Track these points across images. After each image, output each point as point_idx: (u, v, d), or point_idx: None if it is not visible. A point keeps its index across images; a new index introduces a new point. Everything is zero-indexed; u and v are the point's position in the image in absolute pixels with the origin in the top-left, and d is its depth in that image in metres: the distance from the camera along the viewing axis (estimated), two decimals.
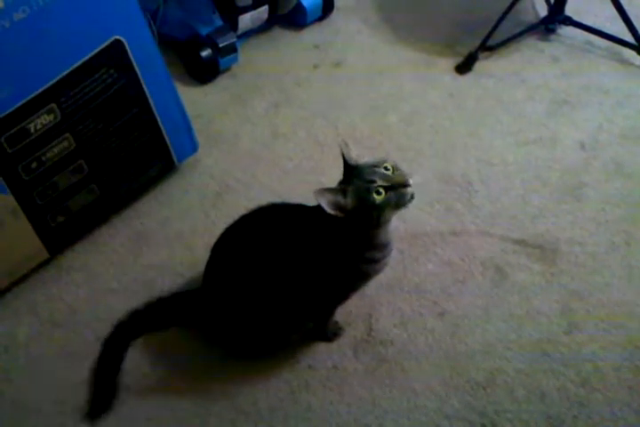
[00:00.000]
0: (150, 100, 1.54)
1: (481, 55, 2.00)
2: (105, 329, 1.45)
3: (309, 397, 1.37)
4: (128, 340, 1.41)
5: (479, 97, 1.94)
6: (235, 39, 1.96)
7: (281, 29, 2.15)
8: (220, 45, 1.93)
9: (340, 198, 1.14)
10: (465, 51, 2.01)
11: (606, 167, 1.76)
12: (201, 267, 1.40)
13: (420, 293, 1.52)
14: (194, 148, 1.75)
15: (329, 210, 1.12)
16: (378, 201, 1.13)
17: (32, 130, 1.35)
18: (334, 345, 1.44)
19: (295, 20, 2.14)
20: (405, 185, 1.14)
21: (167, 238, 1.63)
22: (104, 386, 1.37)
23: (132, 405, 1.36)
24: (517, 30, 2.03)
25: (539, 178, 1.74)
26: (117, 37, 1.39)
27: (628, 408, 1.34)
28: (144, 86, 1.51)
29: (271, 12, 2.01)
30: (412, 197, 1.15)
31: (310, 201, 1.18)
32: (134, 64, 1.45)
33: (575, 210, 1.67)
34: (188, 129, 1.70)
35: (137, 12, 1.43)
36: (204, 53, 1.93)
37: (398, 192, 1.14)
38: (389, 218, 1.18)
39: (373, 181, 1.13)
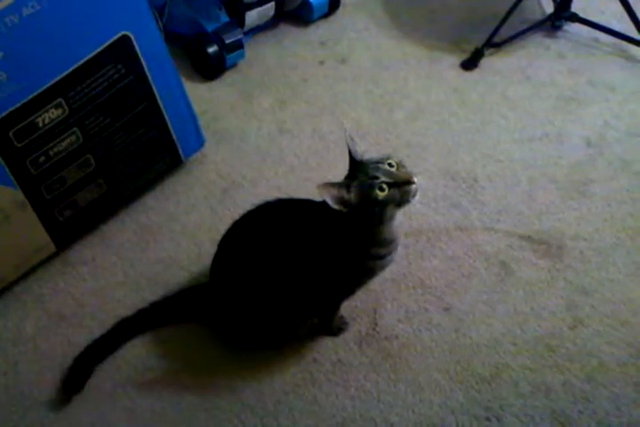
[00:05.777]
0: (157, 96, 1.54)
1: (487, 52, 2.00)
2: (111, 323, 1.46)
3: (315, 390, 1.37)
4: (126, 337, 1.43)
5: (485, 93, 1.94)
6: (241, 35, 1.97)
7: (287, 26, 2.16)
8: (227, 42, 1.93)
9: (343, 193, 1.14)
10: (471, 47, 2.01)
11: (612, 164, 1.75)
12: (207, 261, 1.41)
13: (425, 288, 1.52)
14: (200, 143, 1.75)
15: (332, 204, 1.12)
16: (381, 197, 1.13)
17: (40, 124, 1.36)
18: (339, 339, 1.44)
19: (301, 16, 2.15)
20: (409, 182, 1.14)
21: (173, 233, 1.64)
22: (82, 369, 1.38)
23: (137, 398, 1.37)
24: (523, 27, 2.03)
25: (544, 174, 1.74)
26: (125, 33, 1.40)
27: (633, 404, 1.35)
28: (151, 82, 1.51)
29: (277, 8, 2.02)
30: (415, 194, 1.15)
31: (316, 197, 1.18)
32: (142, 59, 1.46)
33: (581, 206, 1.67)
34: (195, 125, 1.70)
35: (145, 7, 1.44)
36: (211, 50, 1.93)
37: (402, 189, 1.14)
38: (392, 214, 1.18)
39: (377, 177, 1.13)
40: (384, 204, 1.14)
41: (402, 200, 1.15)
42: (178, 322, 1.46)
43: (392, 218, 1.19)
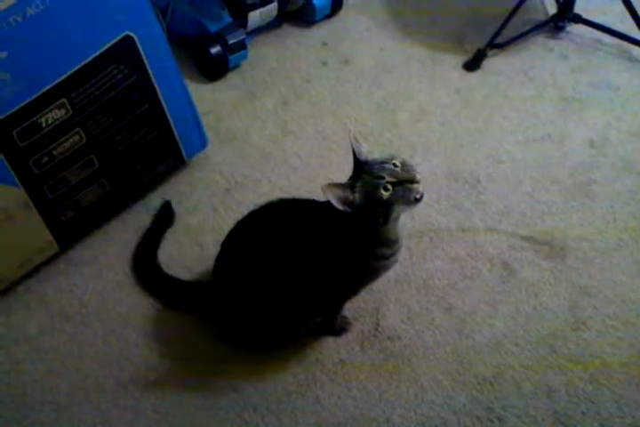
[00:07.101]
0: (160, 97, 1.55)
1: (489, 53, 2.00)
2: (114, 322, 1.47)
3: (317, 390, 1.37)
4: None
5: (487, 94, 1.94)
6: (244, 36, 1.97)
7: (290, 27, 2.16)
8: (230, 42, 1.94)
9: (348, 194, 1.14)
10: (473, 48, 2.01)
11: (615, 165, 1.75)
12: (210, 262, 1.41)
13: (428, 288, 1.52)
14: (203, 144, 1.76)
15: (337, 205, 1.12)
16: (385, 197, 1.13)
17: (43, 124, 1.36)
18: (342, 340, 1.44)
19: (304, 17, 2.15)
20: (413, 181, 1.14)
21: (176, 234, 1.64)
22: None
23: (140, 397, 1.37)
24: (526, 28, 2.03)
25: (547, 175, 1.74)
26: (128, 33, 1.40)
27: (635, 405, 1.34)
28: (154, 82, 1.51)
29: (280, 9, 2.02)
30: (422, 196, 1.15)
31: (319, 197, 1.19)
32: (145, 60, 1.46)
33: (584, 207, 1.66)
34: (198, 125, 1.71)
35: (148, 8, 1.44)
36: (214, 50, 1.94)
37: (406, 188, 1.14)
38: (398, 215, 1.18)
39: (382, 177, 1.14)
40: (389, 203, 1.14)
41: (406, 199, 1.15)
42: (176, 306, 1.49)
43: (397, 218, 1.19)
